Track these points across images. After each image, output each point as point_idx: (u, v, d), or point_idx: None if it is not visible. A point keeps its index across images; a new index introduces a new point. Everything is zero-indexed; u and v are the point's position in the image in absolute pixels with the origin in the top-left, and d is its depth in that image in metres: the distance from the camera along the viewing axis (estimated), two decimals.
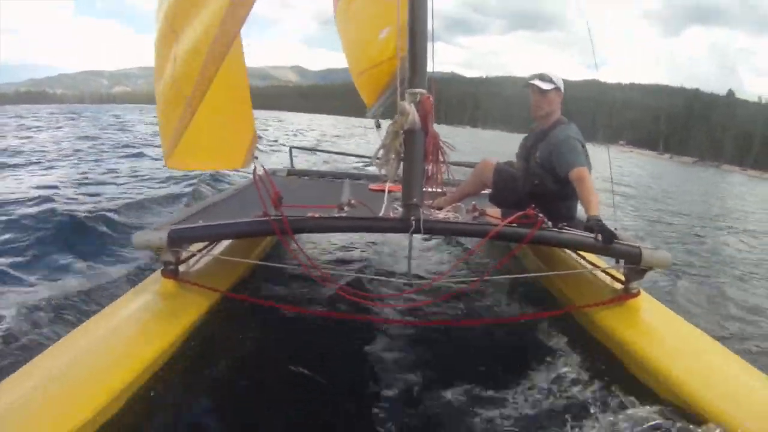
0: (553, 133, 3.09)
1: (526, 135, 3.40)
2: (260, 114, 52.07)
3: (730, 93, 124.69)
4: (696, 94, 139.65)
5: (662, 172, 37.74)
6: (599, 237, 2.44)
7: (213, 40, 1.88)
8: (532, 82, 3.15)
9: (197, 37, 1.97)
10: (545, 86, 3.11)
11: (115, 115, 32.13)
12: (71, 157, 11.32)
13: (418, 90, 2.34)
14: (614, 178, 5.05)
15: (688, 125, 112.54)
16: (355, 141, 22.10)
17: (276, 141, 19.82)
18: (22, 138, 15.20)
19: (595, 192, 2.78)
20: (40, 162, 10.31)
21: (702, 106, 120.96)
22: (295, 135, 24.52)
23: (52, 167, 9.82)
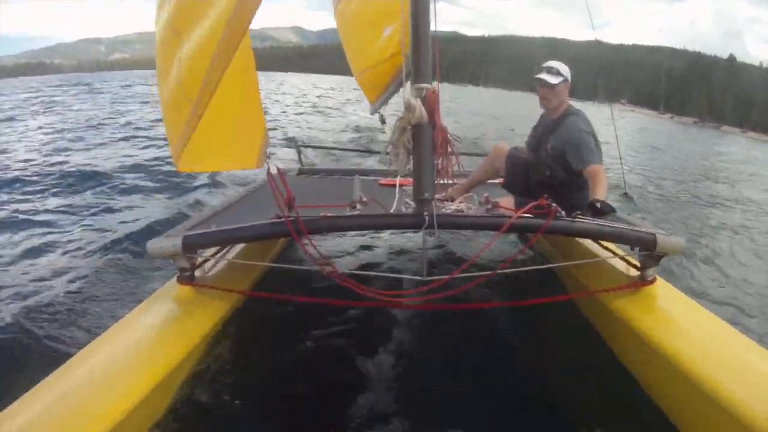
0: (564, 124, 3.09)
1: (534, 125, 3.41)
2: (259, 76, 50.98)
3: (732, 57, 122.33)
4: (698, 56, 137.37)
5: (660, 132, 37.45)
6: (589, 212, 2.47)
7: (220, 39, 1.84)
8: (539, 76, 3.12)
9: (204, 38, 1.93)
10: (553, 80, 3.09)
11: (126, 85, 31.86)
12: (120, 132, 11.72)
13: (423, 85, 2.32)
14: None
15: (689, 86, 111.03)
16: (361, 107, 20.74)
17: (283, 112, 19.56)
18: (55, 114, 15.31)
19: (606, 183, 2.81)
20: (92, 139, 10.74)
21: (703, 68, 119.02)
22: (297, 104, 23.59)
23: (121, 142, 10.33)
